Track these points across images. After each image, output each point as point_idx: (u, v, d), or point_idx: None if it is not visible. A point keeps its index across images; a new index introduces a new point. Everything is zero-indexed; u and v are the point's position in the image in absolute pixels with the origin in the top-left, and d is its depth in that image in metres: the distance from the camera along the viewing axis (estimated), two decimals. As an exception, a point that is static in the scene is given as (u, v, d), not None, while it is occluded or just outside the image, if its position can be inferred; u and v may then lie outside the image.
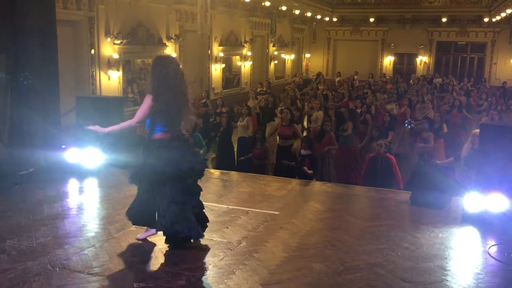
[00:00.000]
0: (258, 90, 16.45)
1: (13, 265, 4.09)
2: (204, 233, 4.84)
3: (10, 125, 6.87)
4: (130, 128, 4.70)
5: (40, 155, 6.80)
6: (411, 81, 21.96)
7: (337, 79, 22.80)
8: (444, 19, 25.42)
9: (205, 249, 4.58)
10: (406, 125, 10.95)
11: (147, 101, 4.39)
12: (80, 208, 5.69)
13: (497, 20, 23.74)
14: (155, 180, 4.39)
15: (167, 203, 4.40)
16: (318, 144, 8.83)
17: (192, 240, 4.58)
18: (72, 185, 6.57)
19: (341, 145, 9.42)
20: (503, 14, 21.65)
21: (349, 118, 9.83)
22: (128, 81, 13.74)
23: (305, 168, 7.49)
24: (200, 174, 4.55)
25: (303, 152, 7.88)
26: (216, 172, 7.88)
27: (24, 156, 6.69)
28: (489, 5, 24.02)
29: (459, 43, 26.86)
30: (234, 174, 7.78)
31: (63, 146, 6.95)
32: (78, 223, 5.22)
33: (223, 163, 9.45)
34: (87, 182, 6.67)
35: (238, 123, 10.07)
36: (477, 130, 8.04)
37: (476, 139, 7.55)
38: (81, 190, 6.43)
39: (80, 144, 6.95)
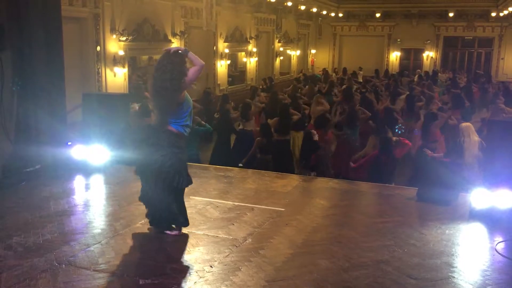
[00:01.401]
0: (261, 87, 16.42)
1: (19, 262, 4.11)
2: (210, 230, 4.90)
3: (17, 122, 6.88)
4: None
5: (46, 152, 6.83)
6: (415, 77, 21.85)
7: (339, 75, 22.66)
8: (451, 14, 25.24)
9: (211, 246, 4.58)
10: (396, 130, 10.80)
11: None
12: (86, 205, 5.71)
13: (504, 15, 23.53)
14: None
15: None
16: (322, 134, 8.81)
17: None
18: (78, 181, 6.59)
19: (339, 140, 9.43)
20: (510, 9, 21.46)
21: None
22: (137, 84, 13.77)
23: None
24: (163, 171, 4.53)
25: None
26: (221, 169, 7.86)
27: (31, 153, 6.71)
28: (497, 0, 23.83)
29: (466, 38, 26.68)
30: (239, 171, 7.76)
31: (69, 143, 6.97)
32: (84, 219, 5.24)
33: (219, 158, 9.41)
34: (93, 179, 6.68)
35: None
36: (465, 124, 8.05)
37: (461, 132, 7.62)
38: (87, 187, 6.45)
39: (86, 141, 6.97)
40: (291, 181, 6.97)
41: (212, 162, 9.02)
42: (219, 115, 10.17)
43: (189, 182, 4.73)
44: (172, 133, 4.51)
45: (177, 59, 4.49)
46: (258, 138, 8.47)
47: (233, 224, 5.13)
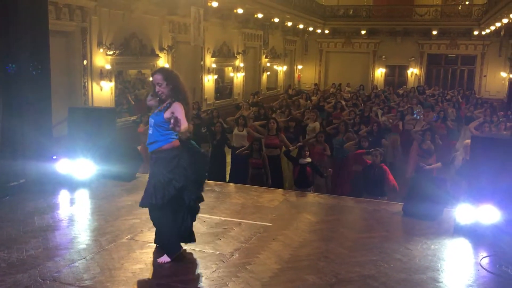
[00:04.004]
0: (249, 101, 16.48)
1: (2, 278, 4.04)
2: (196, 245, 4.85)
3: (1, 136, 6.80)
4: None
5: (31, 166, 6.74)
6: (399, 90, 22.22)
7: (331, 90, 22.88)
8: (434, 32, 25.78)
9: (198, 261, 4.55)
10: (415, 115, 11.35)
11: (181, 108, 4.32)
12: (71, 220, 5.63)
13: (486, 33, 24.09)
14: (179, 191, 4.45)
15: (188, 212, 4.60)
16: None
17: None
18: (63, 196, 6.51)
19: (336, 156, 9.53)
20: (492, 27, 21.99)
21: (345, 131, 9.99)
22: (123, 92, 13.77)
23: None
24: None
25: (302, 161, 7.85)
26: (208, 183, 7.84)
27: (15, 167, 6.63)
28: (479, 18, 24.38)
29: (449, 55, 27.23)
30: (226, 185, 7.76)
31: (54, 157, 6.90)
32: (69, 235, 5.17)
33: (215, 173, 9.41)
34: (79, 194, 6.61)
35: (236, 132, 10.04)
36: (470, 141, 8.19)
37: (469, 149, 7.73)
38: (72, 202, 6.37)
39: (71, 155, 6.91)
40: (278, 196, 6.98)
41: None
42: (212, 132, 10.14)
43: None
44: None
45: None
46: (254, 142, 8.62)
47: (220, 239, 5.11)
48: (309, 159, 7.90)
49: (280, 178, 9.30)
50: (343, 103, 15.62)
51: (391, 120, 12.22)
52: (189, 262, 4.53)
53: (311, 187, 7.96)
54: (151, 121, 4.46)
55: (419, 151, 9.19)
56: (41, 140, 6.94)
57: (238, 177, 8.87)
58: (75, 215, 5.83)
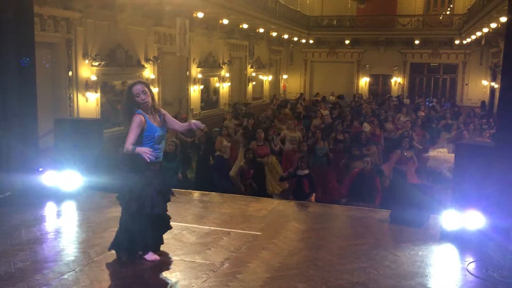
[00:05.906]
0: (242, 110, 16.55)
1: (-10, 292, 4.00)
2: (186, 255, 4.87)
3: (-14, 149, 6.74)
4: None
5: (17, 179, 6.68)
6: (386, 96, 22.63)
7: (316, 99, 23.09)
8: (416, 41, 26.18)
9: (188, 271, 4.55)
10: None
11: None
12: (58, 232, 5.58)
13: (467, 42, 24.52)
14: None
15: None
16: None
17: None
18: (50, 208, 6.45)
19: (314, 164, 9.58)
20: (473, 37, 22.39)
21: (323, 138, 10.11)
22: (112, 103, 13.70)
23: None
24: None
25: (300, 172, 7.80)
26: (196, 193, 7.85)
27: (1, 180, 6.56)
28: (460, 28, 24.84)
29: (431, 64, 27.64)
30: (215, 195, 7.75)
31: (40, 169, 6.83)
32: (57, 247, 5.12)
33: (202, 184, 9.43)
34: (66, 206, 6.55)
35: (225, 143, 10.10)
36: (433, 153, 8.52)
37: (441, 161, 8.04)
38: (59, 214, 6.31)
39: (58, 167, 6.85)
40: (266, 205, 7.00)
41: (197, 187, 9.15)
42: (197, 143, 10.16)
43: (147, 208, 4.49)
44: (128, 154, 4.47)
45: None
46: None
47: (210, 249, 5.11)
48: (306, 171, 7.80)
49: (264, 186, 9.36)
50: (324, 112, 15.82)
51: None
52: (179, 272, 4.52)
53: (309, 198, 7.79)
54: (161, 134, 4.52)
55: (402, 158, 9.40)
56: (26, 152, 6.89)
57: (225, 187, 8.89)
58: (62, 227, 5.78)
